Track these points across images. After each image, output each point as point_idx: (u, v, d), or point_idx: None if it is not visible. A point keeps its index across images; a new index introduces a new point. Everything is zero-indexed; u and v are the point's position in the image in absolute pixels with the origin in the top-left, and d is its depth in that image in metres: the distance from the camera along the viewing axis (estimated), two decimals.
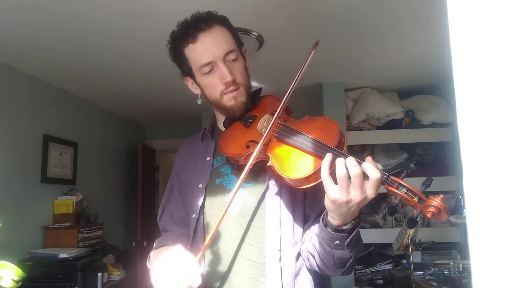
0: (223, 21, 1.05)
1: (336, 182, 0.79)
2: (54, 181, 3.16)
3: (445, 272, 2.46)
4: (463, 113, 0.39)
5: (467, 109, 0.39)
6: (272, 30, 2.26)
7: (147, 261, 1.05)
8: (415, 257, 2.90)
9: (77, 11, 2.04)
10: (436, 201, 0.75)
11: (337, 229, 0.86)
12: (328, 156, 0.81)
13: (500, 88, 0.37)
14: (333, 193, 0.79)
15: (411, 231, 2.38)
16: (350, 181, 0.78)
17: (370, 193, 0.78)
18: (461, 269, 2.44)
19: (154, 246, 1.12)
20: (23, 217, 2.81)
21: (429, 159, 3.37)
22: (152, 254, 1.05)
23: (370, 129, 3.44)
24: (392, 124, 3.37)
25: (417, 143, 3.41)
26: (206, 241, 0.90)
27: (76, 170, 3.47)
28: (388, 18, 2.22)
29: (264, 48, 2.47)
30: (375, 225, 3.29)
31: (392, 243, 2.66)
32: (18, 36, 2.32)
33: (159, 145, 5.09)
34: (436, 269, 2.54)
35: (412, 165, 0.79)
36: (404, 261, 2.99)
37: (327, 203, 0.82)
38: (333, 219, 0.85)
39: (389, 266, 3.11)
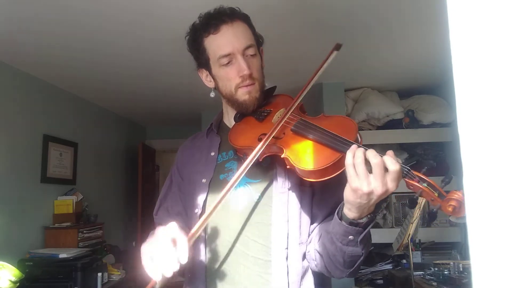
0: (245, 18, 1.07)
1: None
2: (54, 181, 3.17)
3: (445, 272, 2.46)
4: (463, 113, 0.39)
5: (467, 109, 0.39)
6: (272, 29, 2.26)
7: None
8: (415, 257, 2.90)
9: (77, 11, 2.04)
10: (457, 194, 0.74)
11: (352, 223, 0.84)
12: (354, 147, 0.81)
13: (500, 88, 0.37)
14: (355, 182, 0.78)
15: (412, 231, 2.38)
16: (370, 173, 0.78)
17: (392, 185, 0.77)
18: (461, 269, 2.44)
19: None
20: (23, 217, 2.81)
21: (429, 159, 3.37)
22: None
23: (370, 129, 3.44)
24: (392, 124, 3.37)
25: (417, 143, 3.42)
26: (201, 221, 0.88)
27: (76, 170, 3.47)
28: (389, 19, 2.22)
29: (264, 47, 2.47)
30: (375, 225, 3.29)
31: (392, 243, 2.67)
32: (18, 36, 2.32)
33: (159, 145, 5.09)
34: (436, 269, 2.54)
35: (432, 161, 0.80)
36: (404, 261, 2.99)
37: (347, 193, 0.81)
38: (350, 212, 0.83)
39: (389, 266, 3.11)
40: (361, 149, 0.79)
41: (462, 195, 0.74)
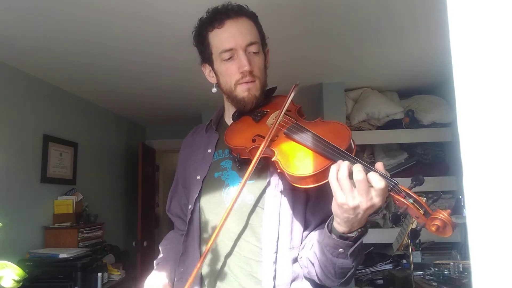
0: (252, 16, 1.07)
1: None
2: (54, 181, 3.16)
3: (445, 272, 2.46)
4: (463, 113, 0.39)
5: (467, 109, 0.39)
6: (273, 29, 2.25)
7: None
8: (415, 257, 2.90)
9: (77, 12, 2.04)
10: (443, 214, 0.71)
11: (342, 236, 0.83)
12: (339, 163, 0.79)
13: (500, 88, 0.37)
14: (341, 197, 0.77)
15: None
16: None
17: (377, 200, 0.76)
18: (461, 269, 2.44)
19: (159, 254, 1.14)
20: (23, 217, 2.81)
21: (429, 159, 3.37)
22: (150, 276, 1.04)
23: (370, 129, 3.44)
24: (392, 124, 3.37)
25: (417, 143, 3.41)
26: (206, 249, 0.90)
27: (76, 170, 3.47)
28: (389, 18, 2.22)
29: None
30: (375, 225, 3.29)
31: (392, 243, 2.67)
32: (18, 36, 2.32)
33: (159, 145, 5.09)
34: (436, 269, 2.54)
35: (422, 177, 0.77)
36: (404, 261, 2.99)
37: (334, 207, 0.80)
38: (340, 225, 0.82)
39: (389, 266, 3.11)
40: (346, 164, 0.77)
41: (449, 215, 0.72)
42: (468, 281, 2.25)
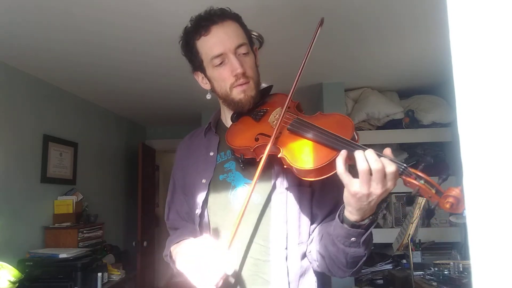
0: (236, 18, 1.06)
1: (353, 176, 0.78)
2: (54, 181, 3.16)
3: (445, 272, 2.46)
4: (463, 113, 0.39)
5: (467, 109, 0.39)
6: (272, 29, 2.26)
7: (168, 257, 1.05)
8: (415, 257, 2.90)
9: (77, 12, 2.04)
10: (455, 191, 0.73)
11: (354, 225, 0.84)
12: (343, 154, 0.80)
13: (500, 88, 0.37)
14: (354, 187, 0.78)
15: (412, 231, 2.38)
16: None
17: (390, 184, 0.77)
18: (461, 269, 2.44)
19: (167, 244, 1.12)
20: (23, 217, 2.81)
21: (427, 156, 3.37)
22: (173, 249, 1.03)
23: (370, 129, 3.44)
24: (392, 124, 3.37)
25: (417, 143, 3.42)
26: (232, 235, 0.90)
27: (76, 170, 3.47)
28: (389, 18, 2.22)
29: (264, 48, 2.48)
30: (375, 225, 3.29)
31: (392, 243, 2.67)
32: (18, 36, 2.32)
33: (159, 145, 5.09)
34: (436, 269, 2.54)
35: (429, 158, 0.79)
36: (404, 261, 2.99)
37: (346, 197, 0.81)
38: (352, 214, 0.83)
39: (389, 266, 3.11)
40: (361, 153, 0.78)
41: (460, 191, 0.73)
42: (468, 281, 2.25)
